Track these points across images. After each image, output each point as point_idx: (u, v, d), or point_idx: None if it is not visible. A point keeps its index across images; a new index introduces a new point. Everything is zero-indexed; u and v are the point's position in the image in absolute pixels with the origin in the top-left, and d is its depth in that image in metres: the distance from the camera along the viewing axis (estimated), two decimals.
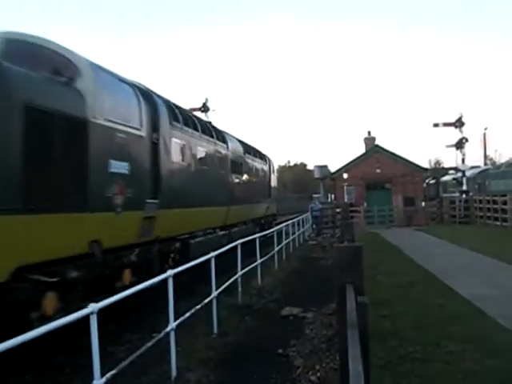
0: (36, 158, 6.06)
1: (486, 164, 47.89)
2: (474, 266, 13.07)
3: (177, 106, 11.72)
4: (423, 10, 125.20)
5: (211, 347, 6.88)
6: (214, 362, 6.37)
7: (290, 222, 19.76)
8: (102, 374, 4.17)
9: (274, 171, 26.40)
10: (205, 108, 34.95)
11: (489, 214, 27.35)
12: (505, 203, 24.65)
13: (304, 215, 26.27)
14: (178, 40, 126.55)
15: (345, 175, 33.52)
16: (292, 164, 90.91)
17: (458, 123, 34.14)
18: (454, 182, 38.88)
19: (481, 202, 29.44)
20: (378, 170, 32.77)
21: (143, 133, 9.09)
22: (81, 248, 6.94)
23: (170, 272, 5.63)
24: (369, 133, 36.61)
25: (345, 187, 33.50)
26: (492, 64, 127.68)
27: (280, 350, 6.79)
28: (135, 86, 9.54)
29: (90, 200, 7.11)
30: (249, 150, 19.79)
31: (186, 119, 11.86)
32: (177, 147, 10.81)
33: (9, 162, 5.65)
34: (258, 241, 12.06)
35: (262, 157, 23.04)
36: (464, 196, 34.05)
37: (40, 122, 6.16)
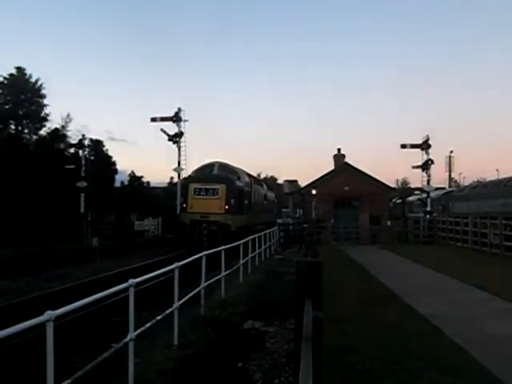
0: (241, 201, 28.66)
1: (450, 186, 49.24)
2: (434, 286, 13.37)
3: (253, 176, 37.23)
4: (394, 28, 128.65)
5: (171, 359, 6.80)
6: (172, 374, 6.30)
7: (256, 235, 19.83)
8: None
9: (275, 196, 48.42)
10: (177, 118, 34.87)
11: (451, 235, 28.04)
12: (466, 225, 25.34)
13: (271, 229, 26.39)
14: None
15: (313, 191, 33.83)
16: (262, 177, 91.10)
17: (425, 145, 35.00)
18: (419, 202, 39.72)
19: (444, 222, 30.16)
20: (347, 188, 33.09)
21: (249, 189, 31.64)
22: (235, 226, 26.86)
23: (132, 281, 5.55)
24: (338, 150, 36.78)
25: (313, 203, 33.80)
26: (458, 90, 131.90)
27: (240, 364, 6.78)
28: (247, 172, 33.15)
29: (242, 211, 28.86)
30: (269, 186, 45.11)
31: (256, 180, 37.82)
32: (254, 192, 33.15)
33: (236, 202, 27.41)
34: (223, 253, 12.05)
35: (272, 188, 48.38)
36: (428, 216, 34.84)
37: (240, 191, 28.68)
